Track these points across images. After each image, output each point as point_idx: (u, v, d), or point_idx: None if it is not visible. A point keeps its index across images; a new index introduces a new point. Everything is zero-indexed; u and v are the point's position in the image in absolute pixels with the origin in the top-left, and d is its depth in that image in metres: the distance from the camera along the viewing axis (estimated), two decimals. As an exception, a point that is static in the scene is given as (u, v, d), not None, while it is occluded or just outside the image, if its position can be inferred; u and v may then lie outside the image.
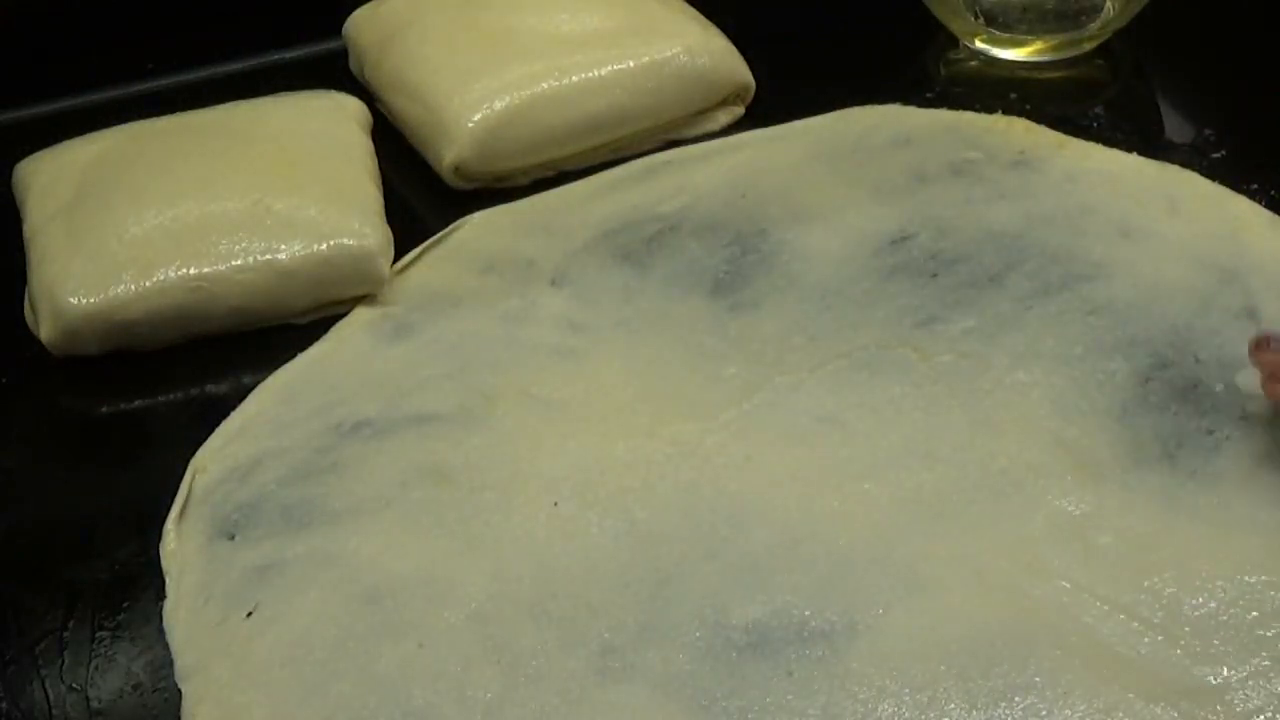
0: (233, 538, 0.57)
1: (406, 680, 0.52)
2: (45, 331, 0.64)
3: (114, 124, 0.77)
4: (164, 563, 0.57)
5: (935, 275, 0.65)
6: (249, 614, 0.55)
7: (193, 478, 0.60)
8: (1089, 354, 0.61)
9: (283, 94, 0.74)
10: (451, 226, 0.70)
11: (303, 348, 0.64)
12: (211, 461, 0.60)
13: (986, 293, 0.64)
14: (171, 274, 0.64)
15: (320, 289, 0.66)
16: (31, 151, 0.75)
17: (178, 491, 0.59)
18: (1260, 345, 0.58)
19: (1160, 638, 0.51)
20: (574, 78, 0.72)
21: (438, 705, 0.51)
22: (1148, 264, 0.64)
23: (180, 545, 0.57)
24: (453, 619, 0.54)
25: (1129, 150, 0.71)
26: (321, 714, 0.51)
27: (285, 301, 0.65)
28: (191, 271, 0.64)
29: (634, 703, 0.51)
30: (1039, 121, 0.73)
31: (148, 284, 0.64)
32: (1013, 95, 0.76)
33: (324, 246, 0.65)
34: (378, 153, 0.77)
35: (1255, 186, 0.68)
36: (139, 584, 0.57)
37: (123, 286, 0.64)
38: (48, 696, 0.53)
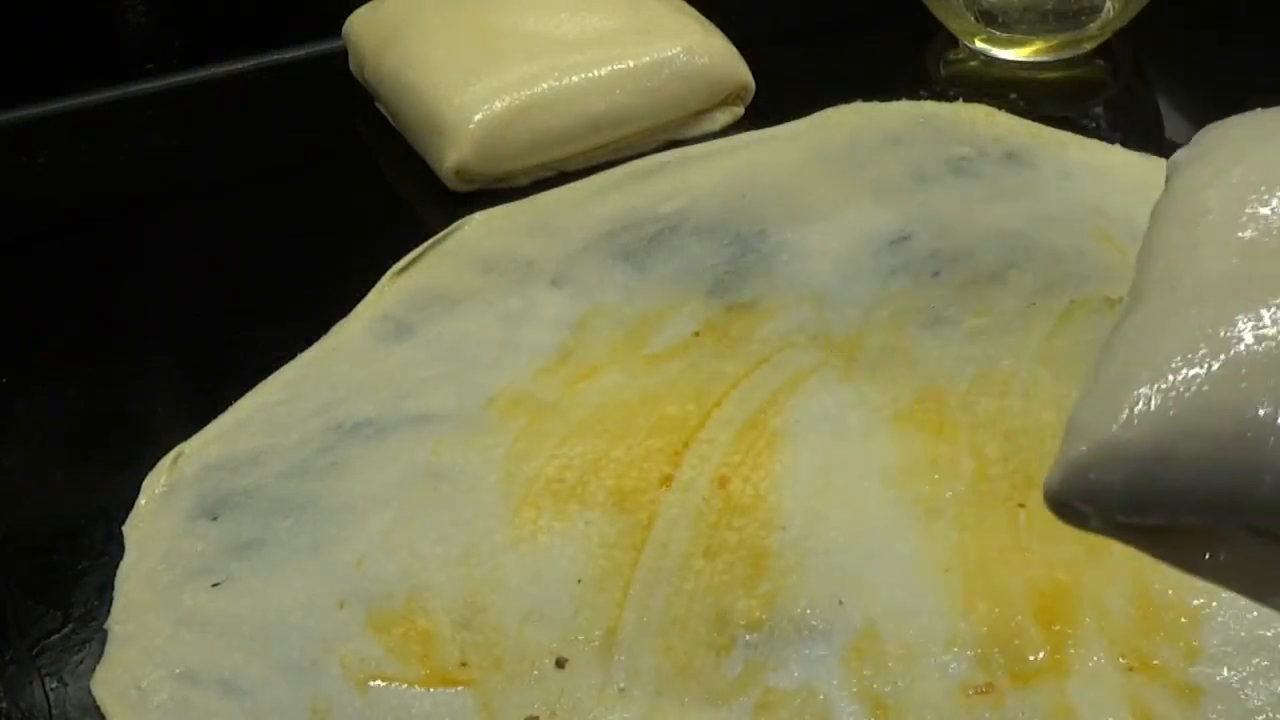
0: (216, 518, 0.57)
1: (393, 691, 0.52)
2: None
3: (114, 124, 0.78)
4: (127, 532, 0.57)
5: (937, 274, 0.65)
6: (216, 584, 0.55)
7: (173, 460, 0.60)
8: (1094, 352, 0.61)
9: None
10: (451, 226, 0.70)
11: (303, 348, 0.64)
12: (199, 449, 0.60)
13: (989, 291, 0.64)
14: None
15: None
16: (30, 152, 0.75)
17: (156, 468, 0.59)
18: None
19: (1161, 637, 0.51)
20: (574, 78, 0.72)
21: (434, 715, 0.51)
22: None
23: (153, 519, 0.57)
24: (444, 627, 0.53)
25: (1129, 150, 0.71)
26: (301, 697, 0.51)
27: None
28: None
29: (636, 703, 0.51)
30: (1040, 123, 0.73)
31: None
32: (1013, 95, 0.76)
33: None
34: (377, 153, 0.77)
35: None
36: (139, 584, 0.57)
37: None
38: (48, 697, 0.53)
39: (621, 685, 0.51)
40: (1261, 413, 0.39)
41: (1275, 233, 0.43)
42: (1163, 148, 0.72)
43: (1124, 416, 0.40)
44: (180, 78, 0.82)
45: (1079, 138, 0.72)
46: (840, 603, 0.53)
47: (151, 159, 0.78)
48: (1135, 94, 0.78)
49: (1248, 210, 0.44)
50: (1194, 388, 0.40)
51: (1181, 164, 0.48)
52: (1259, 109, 0.50)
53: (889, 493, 0.56)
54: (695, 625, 0.53)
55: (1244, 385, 0.39)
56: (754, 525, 0.56)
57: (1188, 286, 0.42)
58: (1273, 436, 0.39)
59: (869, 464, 0.58)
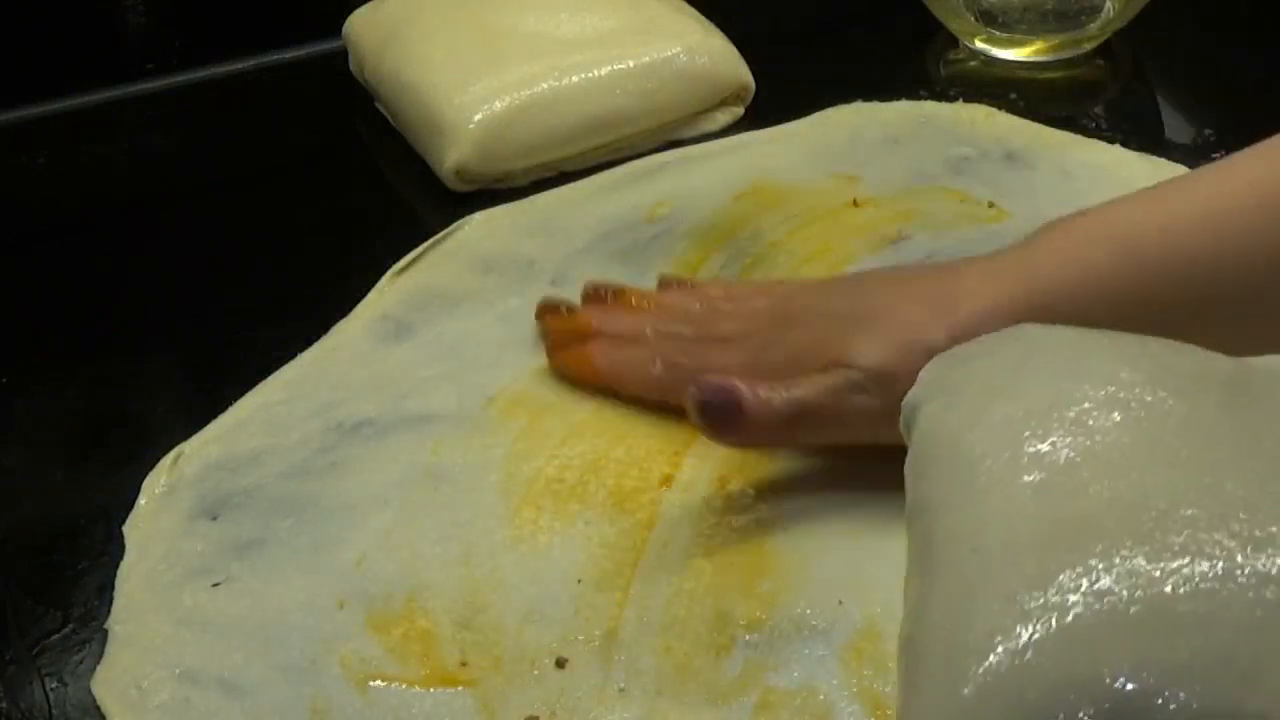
0: (216, 518, 0.57)
1: (393, 691, 0.52)
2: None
3: (114, 124, 0.78)
4: (127, 532, 0.57)
5: (935, 275, 0.65)
6: (216, 584, 0.55)
7: (173, 460, 0.60)
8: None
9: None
10: (452, 226, 0.70)
11: (303, 348, 0.64)
12: (199, 449, 0.60)
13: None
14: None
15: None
16: (31, 152, 0.75)
17: (156, 468, 0.59)
18: (548, 309, 0.63)
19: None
20: (574, 78, 0.72)
21: (434, 715, 0.51)
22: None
23: (153, 519, 0.57)
24: (444, 627, 0.53)
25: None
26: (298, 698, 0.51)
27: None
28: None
29: (636, 703, 0.51)
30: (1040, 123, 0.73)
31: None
32: (1013, 95, 0.76)
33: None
34: (377, 153, 0.77)
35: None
36: (139, 584, 0.57)
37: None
38: (48, 697, 0.53)
39: (621, 685, 0.51)
40: (1128, 685, 0.35)
41: (1064, 470, 0.39)
42: (1163, 148, 0.72)
43: (964, 706, 0.36)
44: (180, 78, 0.82)
45: (1079, 138, 0.72)
46: (840, 602, 0.53)
47: (151, 159, 0.78)
48: (1135, 94, 0.78)
49: (1026, 450, 0.40)
50: (1041, 662, 0.35)
51: (921, 405, 0.45)
52: (986, 336, 0.46)
53: (889, 492, 0.56)
54: (695, 625, 0.53)
55: (1097, 653, 0.35)
56: (754, 525, 0.56)
57: (992, 546, 0.38)
58: (1142, 706, 0.34)
59: (867, 462, 0.57)
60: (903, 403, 0.46)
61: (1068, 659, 0.35)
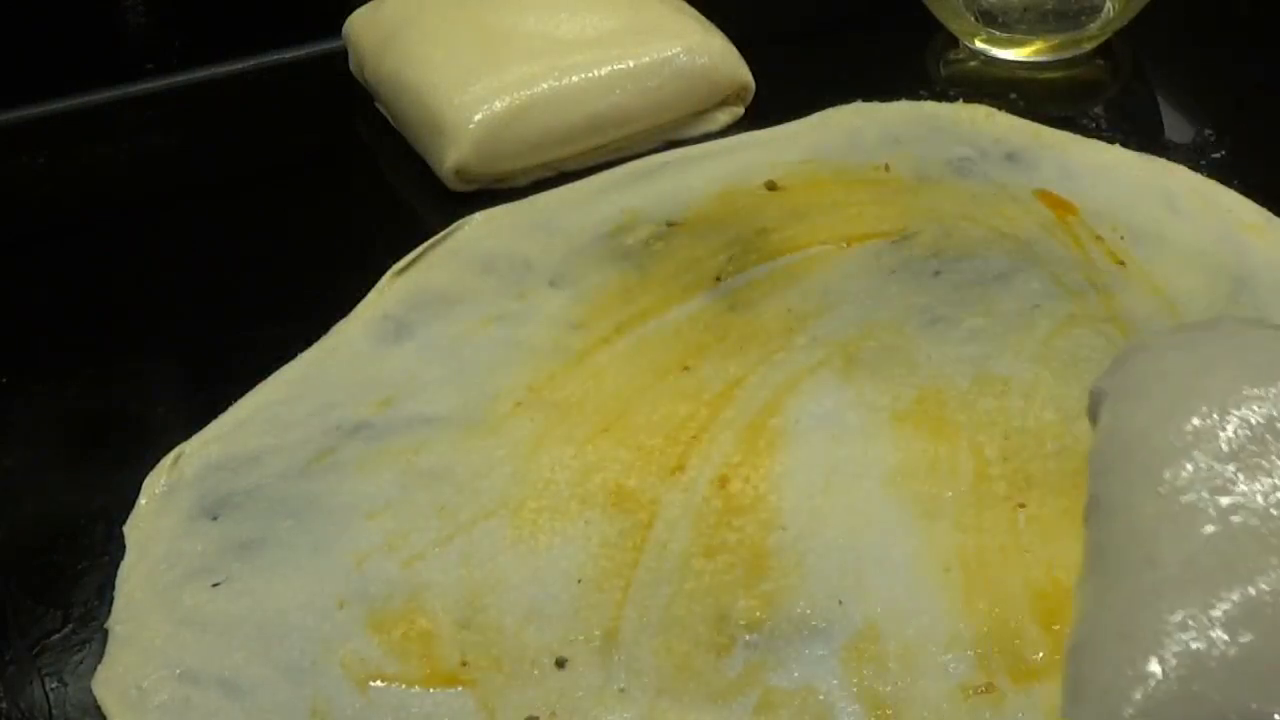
0: (216, 518, 0.57)
1: (393, 691, 0.52)
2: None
3: (114, 124, 0.78)
4: (127, 532, 0.57)
5: (937, 274, 0.65)
6: (216, 584, 0.55)
7: (173, 460, 0.60)
8: (1099, 357, 0.61)
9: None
10: (452, 227, 0.70)
11: (303, 348, 0.64)
12: (199, 449, 0.60)
13: (990, 291, 0.64)
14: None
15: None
16: (31, 152, 0.75)
17: (156, 468, 0.59)
18: None
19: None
20: (574, 78, 0.72)
21: (434, 715, 0.51)
22: (1159, 272, 0.64)
23: (153, 519, 0.57)
24: (444, 627, 0.53)
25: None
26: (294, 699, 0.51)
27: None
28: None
29: (636, 703, 0.51)
30: (1040, 123, 0.73)
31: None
32: (1013, 95, 0.76)
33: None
34: (377, 153, 0.77)
35: (1255, 187, 0.68)
36: (139, 584, 0.57)
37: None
38: (48, 697, 0.53)
39: (621, 685, 0.51)
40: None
41: (1252, 495, 0.37)
42: (1163, 148, 0.72)
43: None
44: (180, 78, 0.82)
45: (1079, 138, 0.72)
46: (840, 603, 0.53)
47: (151, 159, 0.78)
48: (1135, 94, 0.78)
49: (1215, 466, 0.38)
50: (1207, 693, 0.35)
51: (1111, 395, 0.43)
52: (1178, 328, 0.45)
53: (889, 493, 0.56)
54: (695, 625, 0.53)
55: (1262, 691, 0.35)
56: (754, 525, 0.56)
57: (1170, 562, 0.37)
58: None
59: (869, 464, 0.58)
60: (1091, 389, 0.44)
61: (1233, 691, 0.35)
